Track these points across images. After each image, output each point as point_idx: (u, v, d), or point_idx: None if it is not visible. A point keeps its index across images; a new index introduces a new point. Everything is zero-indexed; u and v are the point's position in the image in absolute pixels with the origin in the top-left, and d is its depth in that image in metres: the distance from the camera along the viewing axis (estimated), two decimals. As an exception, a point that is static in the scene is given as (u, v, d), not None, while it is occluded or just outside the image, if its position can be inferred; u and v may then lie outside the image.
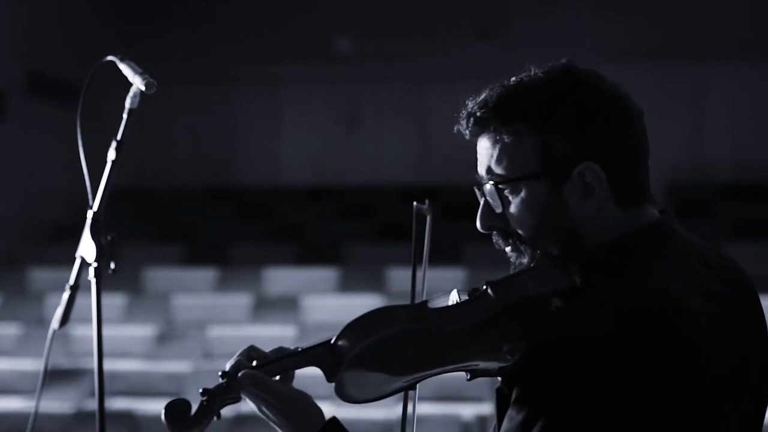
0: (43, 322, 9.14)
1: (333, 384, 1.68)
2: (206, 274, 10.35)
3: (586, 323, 1.56)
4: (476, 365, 1.69)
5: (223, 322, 9.16)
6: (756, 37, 12.13)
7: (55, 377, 7.58)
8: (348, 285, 9.92)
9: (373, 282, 9.78)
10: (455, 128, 1.73)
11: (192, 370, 8.02)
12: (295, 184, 13.17)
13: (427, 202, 1.79)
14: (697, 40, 12.24)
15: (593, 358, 1.53)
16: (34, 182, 11.82)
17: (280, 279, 10.14)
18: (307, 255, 11.03)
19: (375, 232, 11.68)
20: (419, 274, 1.93)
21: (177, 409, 1.66)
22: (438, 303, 1.71)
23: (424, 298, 1.74)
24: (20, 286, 10.32)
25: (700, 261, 1.67)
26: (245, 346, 1.75)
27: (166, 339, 9.15)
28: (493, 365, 1.68)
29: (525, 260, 1.72)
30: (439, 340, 1.67)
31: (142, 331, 9.00)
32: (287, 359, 1.72)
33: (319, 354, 1.70)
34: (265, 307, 9.64)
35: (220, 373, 1.70)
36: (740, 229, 11.22)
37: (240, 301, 9.64)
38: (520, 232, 1.70)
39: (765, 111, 12.46)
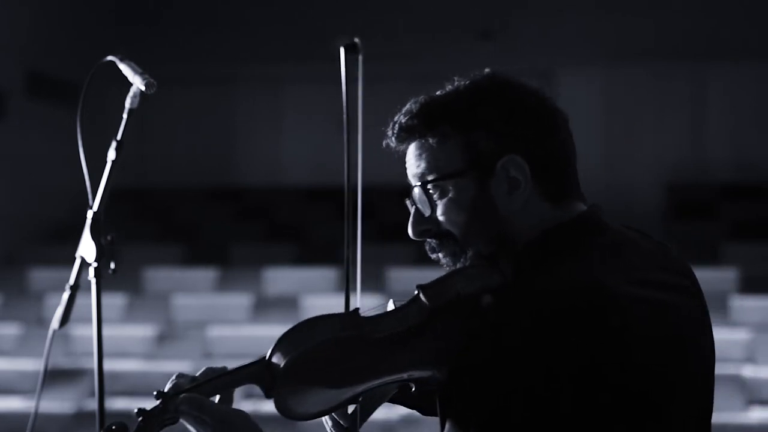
0: (43, 322, 9.14)
1: (272, 400, 1.62)
2: (206, 274, 10.35)
3: (514, 326, 1.53)
4: (415, 374, 1.63)
5: (223, 322, 9.16)
6: (756, 37, 12.12)
7: (55, 377, 7.59)
8: (348, 285, 9.90)
9: (373, 282, 9.78)
10: (383, 143, 1.75)
11: (192, 371, 8.01)
12: (295, 184, 13.16)
13: (356, 39, 1.73)
14: (697, 40, 12.24)
15: (523, 364, 1.51)
16: (34, 182, 11.82)
17: (280, 279, 10.14)
18: (307, 255, 11.03)
19: (375, 232, 11.67)
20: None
21: None
22: (373, 313, 1.66)
23: (356, 307, 1.69)
24: (20, 286, 10.33)
25: (634, 251, 1.67)
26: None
27: (166, 339, 9.15)
28: (432, 373, 1.63)
29: (459, 264, 1.71)
30: (373, 348, 1.62)
31: (142, 331, 9.00)
32: (224, 378, 1.68)
33: (255, 371, 1.64)
34: (265, 307, 9.64)
35: (155, 393, 1.69)
36: (740, 229, 11.22)
37: (240, 301, 9.64)
38: (452, 231, 1.70)
39: (765, 111, 12.46)
